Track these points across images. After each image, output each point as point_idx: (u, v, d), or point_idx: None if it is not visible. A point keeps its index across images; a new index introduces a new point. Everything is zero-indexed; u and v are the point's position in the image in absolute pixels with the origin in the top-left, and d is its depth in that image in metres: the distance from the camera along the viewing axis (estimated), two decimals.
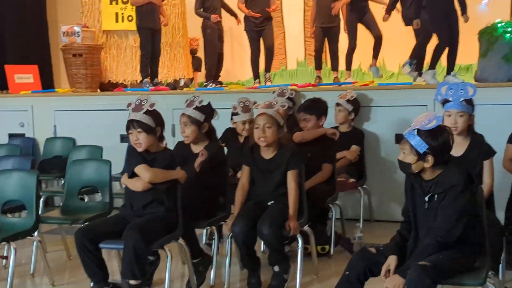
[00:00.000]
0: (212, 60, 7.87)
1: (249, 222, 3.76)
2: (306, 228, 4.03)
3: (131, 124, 3.62)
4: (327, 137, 4.70)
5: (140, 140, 3.60)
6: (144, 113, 3.59)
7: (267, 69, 7.66)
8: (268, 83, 7.53)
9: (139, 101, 3.64)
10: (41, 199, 5.08)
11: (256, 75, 7.52)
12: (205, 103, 4.06)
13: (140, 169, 3.57)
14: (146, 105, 3.62)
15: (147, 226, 3.48)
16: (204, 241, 4.64)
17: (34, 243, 4.30)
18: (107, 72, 8.10)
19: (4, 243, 3.79)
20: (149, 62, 7.39)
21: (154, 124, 3.62)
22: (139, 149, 3.62)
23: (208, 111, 4.11)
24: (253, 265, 3.94)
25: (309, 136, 4.64)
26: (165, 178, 3.61)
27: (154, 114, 3.65)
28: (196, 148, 4.11)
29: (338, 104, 5.30)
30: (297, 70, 9.02)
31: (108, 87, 7.95)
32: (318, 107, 4.78)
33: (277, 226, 3.73)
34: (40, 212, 4.21)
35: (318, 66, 7.55)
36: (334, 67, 7.45)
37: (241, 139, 4.83)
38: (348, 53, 7.27)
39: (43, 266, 4.32)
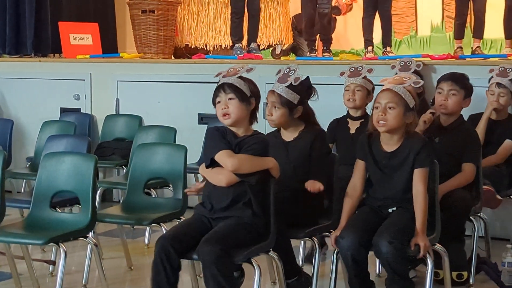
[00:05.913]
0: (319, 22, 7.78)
1: (361, 234, 3.74)
2: (438, 247, 3.96)
3: (221, 88, 3.66)
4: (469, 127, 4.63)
5: (230, 109, 3.63)
6: (239, 77, 3.67)
7: (385, 41, 7.35)
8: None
9: (231, 69, 3.72)
10: (98, 192, 5.23)
11: (368, 41, 7.34)
12: (302, 78, 4.07)
13: (222, 155, 3.60)
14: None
15: (228, 236, 3.51)
16: (300, 257, 4.63)
17: (89, 247, 4.42)
18: (184, 34, 8.23)
19: (52, 244, 3.91)
20: (241, 22, 7.37)
21: (249, 92, 3.68)
22: (228, 121, 3.65)
23: (305, 89, 4.11)
24: None
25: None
26: (254, 167, 3.62)
27: (250, 82, 3.72)
28: (287, 135, 4.14)
29: (499, 85, 5.12)
30: (430, 37, 8.95)
31: (184, 53, 8.07)
32: (468, 84, 4.70)
33: (400, 242, 3.67)
34: (97, 208, 4.32)
35: (459, 34, 7.35)
36: (478, 34, 7.26)
37: (352, 128, 4.91)
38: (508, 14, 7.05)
39: (97, 275, 4.46)
